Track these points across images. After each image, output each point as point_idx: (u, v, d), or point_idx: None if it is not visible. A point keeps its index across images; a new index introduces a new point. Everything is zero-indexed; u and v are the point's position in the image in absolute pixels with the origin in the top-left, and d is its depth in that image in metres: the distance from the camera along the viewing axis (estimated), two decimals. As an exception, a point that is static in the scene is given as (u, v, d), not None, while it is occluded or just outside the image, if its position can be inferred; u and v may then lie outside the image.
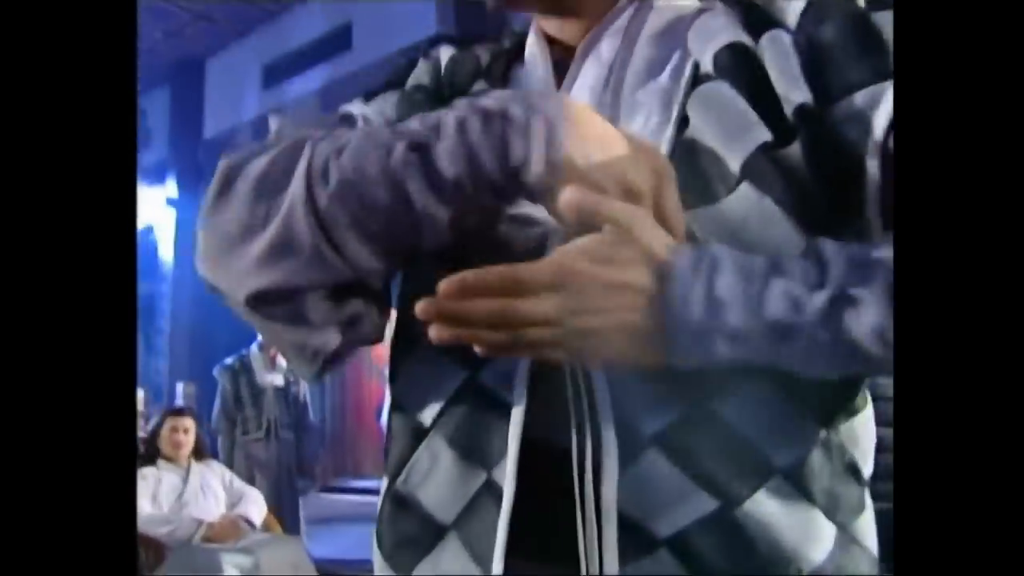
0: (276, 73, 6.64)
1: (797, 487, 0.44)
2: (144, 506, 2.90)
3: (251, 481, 3.49)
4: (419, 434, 0.50)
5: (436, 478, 0.48)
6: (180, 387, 4.43)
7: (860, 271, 0.37)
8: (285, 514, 3.67)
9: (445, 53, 0.59)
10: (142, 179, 7.63)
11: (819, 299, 0.36)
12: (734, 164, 0.44)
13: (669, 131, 0.47)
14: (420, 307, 0.37)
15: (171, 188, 7.19)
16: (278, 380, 3.97)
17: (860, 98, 0.43)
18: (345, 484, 6.19)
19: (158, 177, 7.19)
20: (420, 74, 0.58)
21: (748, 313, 0.37)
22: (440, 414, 0.49)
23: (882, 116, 0.42)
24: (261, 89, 6.74)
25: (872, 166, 0.42)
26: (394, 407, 0.54)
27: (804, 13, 0.46)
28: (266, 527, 3.09)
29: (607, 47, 0.51)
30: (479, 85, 0.55)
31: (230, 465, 3.56)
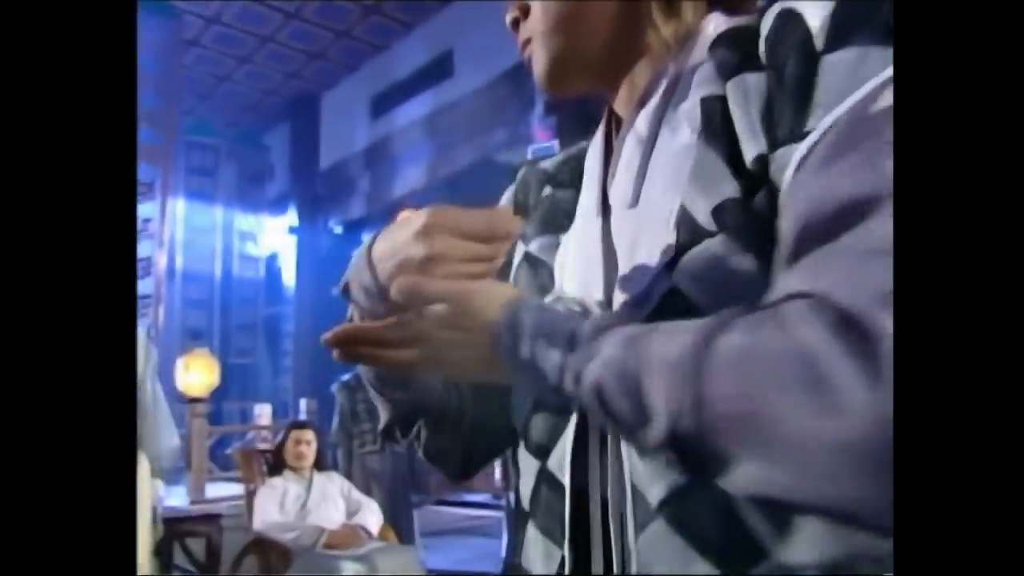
0: (384, 103, 6.98)
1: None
2: (272, 513, 3.10)
3: (368, 492, 3.62)
4: (524, 518, 0.56)
5: (537, 557, 0.54)
6: (303, 403, 4.72)
7: (593, 351, 0.41)
8: (400, 524, 3.79)
9: (521, 171, 0.69)
10: (266, 210, 8.17)
11: (568, 375, 0.42)
12: (702, 216, 0.45)
13: (677, 201, 0.47)
14: (323, 339, 0.50)
15: (292, 217, 7.64)
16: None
17: (780, 155, 0.42)
18: (458, 498, 6.32)
19: (281, 208, 7.70)
20: (513, 194, 0.69)
21: (539, 374, 0.43)
22: (530, 499, 0.55)
23: (787, 176, 0.41)
24: (370, 120, 7.11)
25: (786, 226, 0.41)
26: (510, 492, 0.62)
27: (768, 52, 0.44)
28: (382, 536, 3.20)
29: (643, 121, 0.53)
30: (547, 191, 0.64)
31: (348, 476, 3.71)
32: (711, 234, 0.45)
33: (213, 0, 5.74)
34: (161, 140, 5.56)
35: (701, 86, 0.49)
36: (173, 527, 3.25)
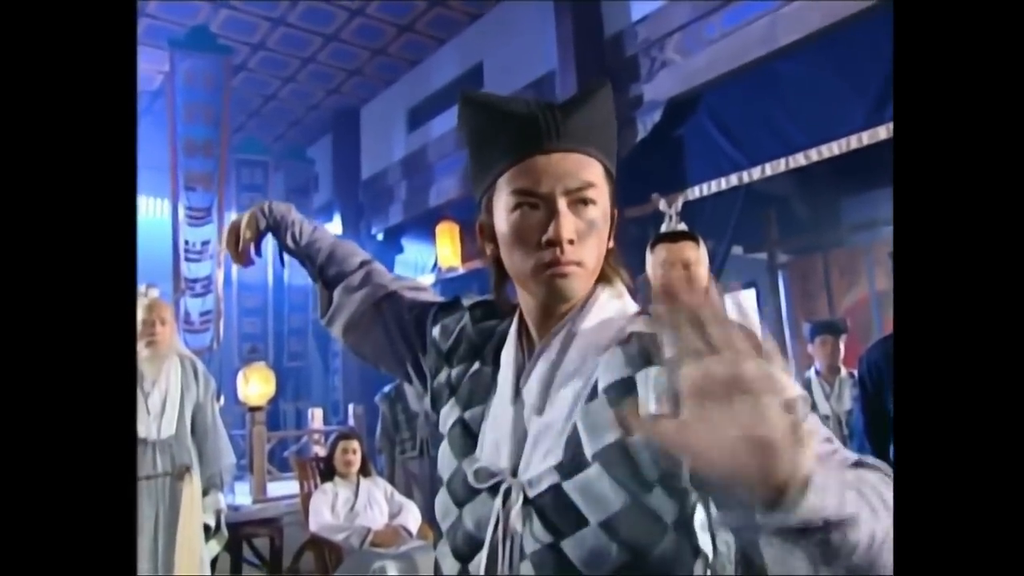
0: (419, 115, 7.25)
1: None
2: (325, 516, 3.41)
3: (409, 494, 3.89)
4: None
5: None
6: (351, 408, 5.08)
7: None
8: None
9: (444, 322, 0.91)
10: (313, 219, 8.40)
11: None
12: (588, 452, 0.64)
13: (567, 429, 0.66)
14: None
15: (337, 225, 7.85)
16: (428, 405, 4.46)
17: None
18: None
19: (327, 216, 7.96)
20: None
21: None
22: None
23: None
24: (407, 131, 7.37)
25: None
26: None
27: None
28: (421, 535, 3.45)
29: (554, 349, 0.72)
30: (474, 367, 0.83)
31: (391, 481, 3.99)
32: (589, 464, 0.64)
33: (260, 24, 6.02)
34: (214, 167, 5.88)
35: (614, 369, 0.67)
36: (240, 530, 3.54)
